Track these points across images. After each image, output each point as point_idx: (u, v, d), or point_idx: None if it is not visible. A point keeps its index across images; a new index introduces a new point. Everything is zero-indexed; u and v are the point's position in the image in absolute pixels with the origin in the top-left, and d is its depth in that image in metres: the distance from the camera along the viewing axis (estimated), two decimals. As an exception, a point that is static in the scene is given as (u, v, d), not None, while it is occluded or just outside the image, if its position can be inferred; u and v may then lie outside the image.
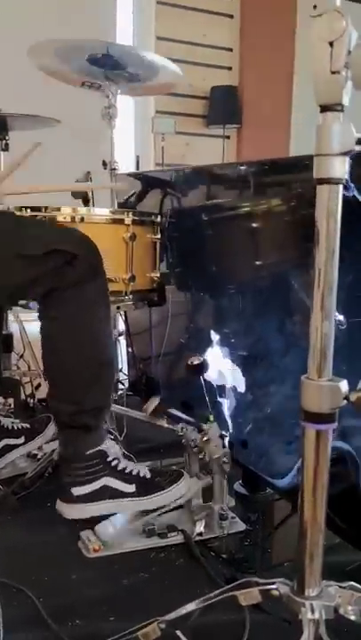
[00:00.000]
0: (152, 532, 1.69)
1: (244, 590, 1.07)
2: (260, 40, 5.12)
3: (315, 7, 0.85)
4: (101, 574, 1.56)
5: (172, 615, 1.13)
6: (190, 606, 1.13)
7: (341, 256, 0.95)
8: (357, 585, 1.04)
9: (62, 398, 1.76)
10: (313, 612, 1.00)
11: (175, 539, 1.69)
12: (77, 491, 1.72)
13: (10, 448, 2.10)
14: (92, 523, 1.72)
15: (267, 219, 1.83)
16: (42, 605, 1.39)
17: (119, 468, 1.76)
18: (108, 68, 2.34)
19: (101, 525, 1.70)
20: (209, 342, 2.07)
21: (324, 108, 0.88)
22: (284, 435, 1.74)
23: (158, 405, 1.93)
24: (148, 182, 2.55)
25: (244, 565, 1.62)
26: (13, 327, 2.65)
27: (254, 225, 1.89)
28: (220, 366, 1.92)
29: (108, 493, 1.73)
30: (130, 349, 2.87)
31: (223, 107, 5.08)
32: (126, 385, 2.89)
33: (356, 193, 1.29)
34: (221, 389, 1.95)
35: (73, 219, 1.92)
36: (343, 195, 0.93)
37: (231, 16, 5.26)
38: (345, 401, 0.95)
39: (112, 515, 1.73)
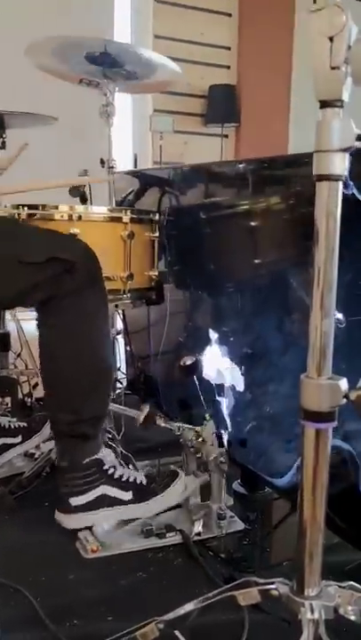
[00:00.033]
0: (150, 532, 1.69)
1: (243, 590, 1.06)
2: (258, 39, 5.12)
3: (315, 1, 0.84)
4: (99, 574, 1.56)
5: (171, 615, 1.12)
6: (189, 606, 1.12)
7: (341, 254, 0.94)
8: (357, 585, 1.04)
9: (61, 407, 1.75)
10: (313, 612, 1.00)
11: (173, 539, 1.68)
12: (75, 501, 1.71)
13: (7, 447, 2.09)
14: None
15: (265, 217, 1.83)
16: (39, 605, 1.39)
17: (116, 475, 1.76)
18: (106, 65, 2.33)
19: (99, 526, 1.70)
20: (207, 341, 2.07)
21: (324, 104, 0.88)
22: (284, 433, 1.74)
23: (150, 413, 1.92)
24: (146, 180, 2.54)
25: (243, 565, 1.61)
26: (11, 326, 2.64)
27: (253, 223, 1.88)
28: (219, 365, 1.91)
29: (105, 502, 1.73)
30: (128, 348, 2.86)
31: (221, 105, 5.08)
32: (124, 384, 2.88)
33: (355, 191, 1.28)
34: (220, 388, 1.95)
35: (70, 217, 1.91)
36: (342, 193, 0.92)
37: (229, 15, 5.26)
38: (345, 399, 0.94)
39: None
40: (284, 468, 1.72)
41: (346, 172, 0.89)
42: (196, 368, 1.91)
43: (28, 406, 2.62)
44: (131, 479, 1.77)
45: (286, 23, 4.70)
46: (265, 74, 5.01)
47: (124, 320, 2.76)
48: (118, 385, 2.72)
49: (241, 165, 1.93)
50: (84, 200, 2.43)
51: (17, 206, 1.92)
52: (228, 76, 5.29)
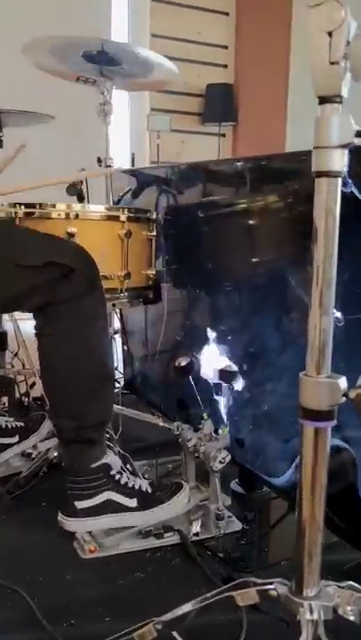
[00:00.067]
0: (148, 532, 1.69)
1: (241, 590, 1.06)
2: (255, 37, 5.11)
3: (313, -4, 0.84)
4: (97, 575, 1.55)
5: (169, 616, 1.11)
6: (187, 607, 1.12)
7: (340, 253, 0.93)
8: (356, 585, 1.03)
9: (64, 414, 1.74)
10: (312, 612, 0.99)
11: (171, 539, 1.68)
12: (81, 504, 1.70)
13: (4, 447, 2.08)
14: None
15: (263, 215, 1.82)
16: (36, 606, 1.38)
17: (122, 482, 1.75)
18: (103, 63, 2.33)
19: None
20: (205, 340, 2.06)
21: (323, 100, 0.87)
22: (282, 433, 1.73)
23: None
24: (143, 179, 2.54)
25: (241, 565, 1.61)
26: (7, 326, 2.63)
27: (250, 222, 1.87)
28: (217, 364, 1.90)
29: (110, 507, 1.72)
30: (125, 347, 2.86)
31: (219, 104, 5.07)
32: (122, 383, 2.88)
33: (354, 189, 1.27)
34: (218, 387, 1.94)
35: (67, 215, 1.90)
36: (341, 191, 0.92)
37: (227, 13, 5.26)
38: (344, 398, 0.94)
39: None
40: (283, 468, 1.72)
41: (345, 169, 0.89)
42: (191, 368, 1.90)
43: (25, 406, 2.61)
44: (136, 486, 1.76)
45: (284, 22, 4.69)
46: (262, 72, 5.01)
47: (121, 319, 2.76)
48: (115, 384, 2.71)
49: (239, 164, 1.92)
50: (80, 199, 2.42)
51: (14, 205, 1.91)
52: (226, 75, 5.29)
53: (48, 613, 1.36)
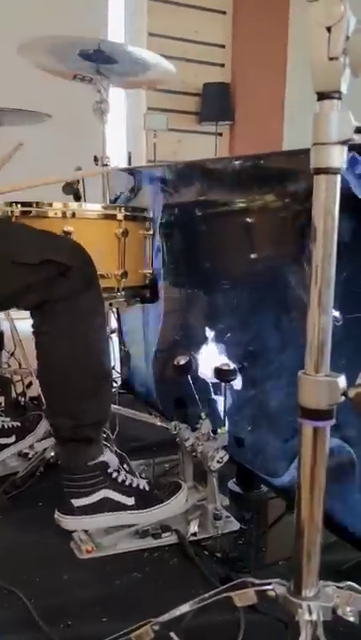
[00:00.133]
0: (146, 532, 1.68)
1: (239, 591, 1.05)
2: (252, 36, 5.11)
3: (312, -9, 0.83)
4: (94, 575, 1.55)
5: (166, 617, 1.11)
6: (184, 607, 1.11)
7: (338, 252, 0.93)
8: (356, 585, 1.02)
9: (61, 412, 1.74)
10: (310, 613, 0.98)
11: (169, 539, 1.67)
12: (78, 502, 1.70)
13: (0, 447, 2.08)
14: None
15: (261, 213, 1.81)
16: (33, 607, 1.38)
17: (119, 480, 1.74)
18: (100, 62, 2.32)
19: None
20: (203, 339, 2.05)
21: (322, 96, 0.86)
22: (282, 432, 1.72)
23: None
24: (140, 178, 2.53)
25: (239, 565, 1.61)
26: (4, 325, 2.62)
27: (248, 220, 1.86)
28: (215, 363, 1.89)
29: (107, 506, 1.71)
30: (122, 347, 2.85)
31: (216, 103, 5.07)
32: (119, 383, 2.87)
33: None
34: (216, 387, 1.93)
35: (64, 214, 1.89)
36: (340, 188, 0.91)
37: (224, 12, 5.25)
38: (343, 397, 0.93)
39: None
40: (283, 467, 1.71)
41: (344, 166, 0.88)
42: (189, 367, 1.89)
43: (21, 406, 2.60)
44: (134, 484, 1.76)
45: (281, 21, 4.68)
46: (259, 71, 5.00)
47: (118, 319, 2.75)
48: (113, 384, 2.70)
49: (237, 162, 1.91)
50: (77, 198, 2.41)
51: (10, 204, 1.90)
52: (223, 74, 5.28)
53: (45, 614, 1.35)
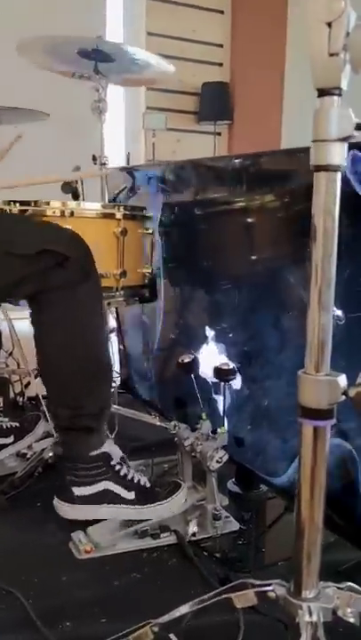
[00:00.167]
0: (145, 532, 1.67)
1: (239, 592, 1.04)
2: (251, 36, 5.10)
3: (312, -14, 0.82)
4: (92, 575, 1.54)
5: (166, 618, 1.10)
6: (184, 609, 1.10)
7: (340, 250, 0.92)
8: (356, 586, 1.01)
9: (60, 403, 1.74)
10: (311, 614, 0.97)
11: (168, 539, 1.66)
12: (79, 491, 1.70)
13: (-1, 447, 2.07)
14: (83, 523, 1.71)
15: (262, 212, 1.80)
16: (31, 607, 1.37)
17: (121, 473, 1.74)
18: (99, 60, 2.32)
19: (93, 527, 1.69)
20: (203, 338, 2.05)
21: (322, 93, 0.85)
22: (282, 432, 1.72)
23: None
24: (139, 177, 2.52)
25: (238, 565, 1.60)
26: (2, 325, 2.61)
27: (248, 219, 1.86)
28: (215, 362, 1.89)
29: (108, 497, 1.71)
30: (121, 347, 2.84)
31: (214, 103, 5.07)
32: (118, 382, 2.86)
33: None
34: (216, 386, 1.93)
35: (62, 213, 1.89)
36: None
37: (222, 12, 5.24)
38: (343, 396, 0.92)
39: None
40: (283, 467, 1.71)
41: (344, 163, 0.87)
42: (194, 366, 1.89)
43: (19, 406, 2.59)
44: (135, 479, 1.75)
45: (279, 20, 4.68)
46: (258, 71, 5.00)
47: (117, 318, 2.74)
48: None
49: (237, 160, 1.90)
50: (76, 196, 2.40)
51: (8, 202, 1.90)
52: (221, 74, 5.27)
53: (43, 615, 1.34)
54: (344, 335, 1.35)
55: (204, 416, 1.79)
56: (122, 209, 1.98)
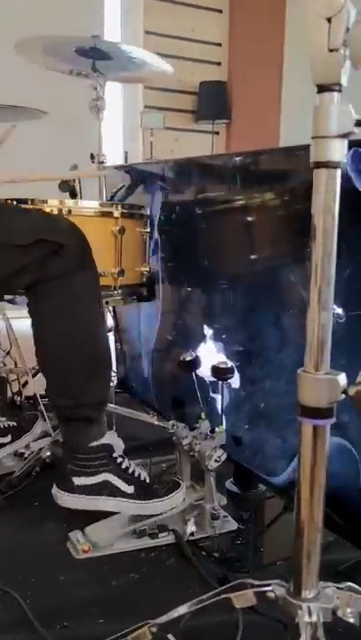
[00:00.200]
0: (143, 532, 1.67)
1: (238, 592, 1.04)
2: (249, 35, 5.10)
3: (311, -18, 0.81)
4: (90, 575, 1.53)
5: (164, 618, 1.09)
6: (182, 609, 1.10)
7: (341, 248, 0.91)
8: (355, 586, 1.01)
9: (59, 393, 1.74)
10: (310, 614, 0.97)
11: (166, 539, 1.66)
12: (79, 480, 1.69)
13: (-4, 447, 2.06)
14: (81, 523, 1.70)
15: (261, 210, 1.80)
16: (28, 607, 1.37)
17: (123, 466, 1.73)
18: (96, 58, 2.32)
19: (91, 526, 1.68)
20: (201, 338, 2.04)
21: (322, 89, 0.84)
22: (280, 431, 1.71)
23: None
24: (137, 175, 2.52)
25: (237, 565, 1.60)
26: (0, 324, 2.61)
27: (248, 218, 1.85)
28: (214, 361, 1.88)
29: (107, 489, 1.70)
30: (118, 345, 2.84)
31: (212, 102, 5.06)
32: (115, 382, 2.85)
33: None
34: (215, 385, 1.92)
35: (60, 211, 1.88)
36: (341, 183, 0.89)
37: (220, 11, 5.24)
38: (343, 395, 0.91)
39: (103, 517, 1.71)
40: (281, 466, 1.70)
41: (344, 159, 0.86)
42: (196, 364, 1.88)
43: (17, 405, 2.58)
44: (135, 474, 1.75)
45: (277, 19, 4.67)
46: (256, 70, 5.00)
47: (114, 317, 2.73)
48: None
49: (237, 158, 1.89)
50: (73, 195, 2.39)
51: (5, 200, 1.89)
52: (219, 73, 5.27)
53: (40, 615, 1.34)
54: (344, 333, 1.34)
55: (203, 415, 1.79)
56: (120, 207, 1.97)
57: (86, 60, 2.33)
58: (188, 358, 1.88)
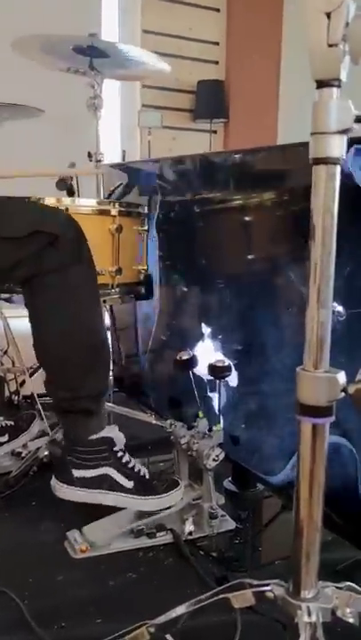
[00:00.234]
0: (140, 531, 1.66)
1: (236, 592, 1.03)
2: (247, 34, 5.09)
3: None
4: (88, 575, 1.53)
5: (162, 619, 1.09)
6: (180, 609, 1.09)
7: (340, 245, 0.90)
8: (355, 585, 1.00)
9: (58, 385, 1.73)
10: (310, 614, 0.96)
11: (164, 538, 1.66)
12: (78, 473, 1.69)
13: (-7, 446, 2.05)
14: (79, 523, 1.69)
15: (260, 209, 1.79)
16: (26, 608, 1.36)
17: (123, 460, 1.73)
18: (94, 56, 2.31)
19: (89, 526, 1.68)
20: (199, 336, 2.03)
21: (321, 84, 0.84)
22: (278, 429, 1.70)
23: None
24: (135, 173, 2.51)
25: (235, 564, 1.60)
26: (-3, 323, 2.60)
27: (246, 217, 1.85)
28: (211, 360, 1.87)
29: (107, 483, 1.69)
30: (116, 344, 2.83)
31: (210, 101, 5.04)
32: (112, 381, 2.85)
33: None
34: (212, 384, 1.91)
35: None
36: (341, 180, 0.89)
37: (218, 10, 5.22)
38: (343, 393, 0.91)
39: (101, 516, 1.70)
40: (279, 466, 1.70)
41: (344, 155, 0.86)
42: (192, 363, 1.87)
43: (15, 404, 2.57)
44: (136, 469, 1.74)
45: (275, 18, 4.67)
46: (254, 69, 4.99)
47: (111, 315, 2.72)
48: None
49: (237, 156, 1.89)
50: (71, 193, 2.39)
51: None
52: (217, 72, 5.25)
53: (38, 615, 1.33)
54: (345, 331, 1.34)
55: (200, 414, 1.78)
56: (117, 205, 1.97)
57: (83, 58, 2.33)
58: (184, 357, 1.87)
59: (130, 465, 1.73)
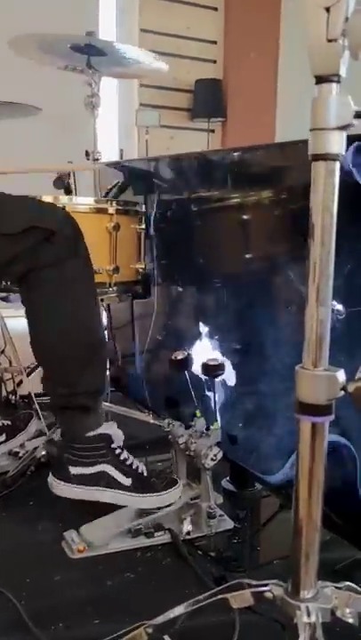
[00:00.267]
0: (138, 531, 1.66)
1: (235, 593, 1.02)
2: (244, 33, 5.08)
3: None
4: (86, 575, 1.52)
5: (160, 619, 1.08)
6: (179, 610, 1.08)
7: (339, 243, 0.90)
8: (354, 585, 1.00)
9: (55, 381, 1.73)
10: (309, 615, 0.95)
11: (162, 538, 1.65)
12: (75, 470, 1.68)
13: (-10, 446, 2.04)
14: (76, 523, 1.68)
15: (258, 207, 1.79)
16: (23, 608, 1.35)
17: (121, 457, 1.72)
18: (91, 54, 2.31)
19: (86, 525, 1.66)
20: (196, 336, 2.03)
21: (320, 80, 0.83)
22: (276, 429, 1.70)
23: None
24: (132, 172, 2.50)
25: (233, 564, 1.59)
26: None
27: (243, 216, 1.84)
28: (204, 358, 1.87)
29: (104, 480, 1.69)
30: (112, 344, 2.82)
31: (208, 100, 5.04)
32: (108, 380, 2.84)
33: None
34: (209, 383, 1.91)
35: (54, 208, 1.86)
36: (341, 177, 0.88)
37: (215, 9, 5.22)
38: (342, 392, 0.90)
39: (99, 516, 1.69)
40: (277, 465, 1.69)
41: (343, 152, 0.85)
42: (187, 363, 1.86)
43: (12, 404, 2.57)
44: (134, 466, 1.73)
45: (273, 17, 4.66)
46: (251, 68, 4.98)
47: (108, 314, 2.72)
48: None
49: (235, 154, 1.88)
50: (68, 192, 2.38)
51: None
52: (215, 71, 5.25)
53: (35, 616, 1.32)
54: (344, 330, 1.33)
55: (198, 413, 1.77)
56: (115, 204, 1.96)
57: (81, 57, 2.32)
58: (179, 357, 1.87)
59: (128, 462, 1.72)
